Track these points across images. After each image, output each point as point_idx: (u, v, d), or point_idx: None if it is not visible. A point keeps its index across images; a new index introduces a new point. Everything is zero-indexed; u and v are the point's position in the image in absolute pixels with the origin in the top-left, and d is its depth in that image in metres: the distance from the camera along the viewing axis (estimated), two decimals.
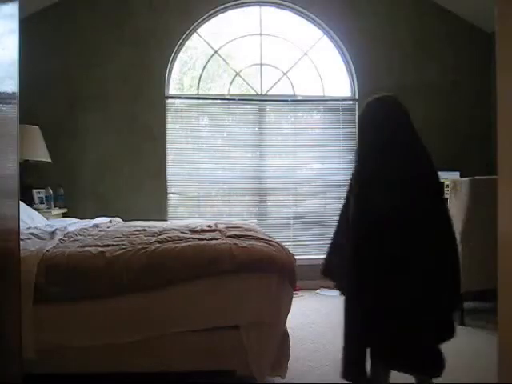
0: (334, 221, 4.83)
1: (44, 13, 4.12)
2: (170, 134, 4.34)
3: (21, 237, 1.75)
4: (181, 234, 2.41)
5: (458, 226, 3.12)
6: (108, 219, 3.35)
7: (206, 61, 4.50)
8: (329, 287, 4.26)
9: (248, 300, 2.01)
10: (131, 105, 4.22)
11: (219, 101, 4.46)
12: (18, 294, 1.45)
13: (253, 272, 2.01)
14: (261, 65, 4.52)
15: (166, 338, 1.98)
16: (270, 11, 4.47)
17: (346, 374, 1.68)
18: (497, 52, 1.40)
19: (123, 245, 2.17)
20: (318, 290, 4.20)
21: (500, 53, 1.39)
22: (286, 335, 2.12)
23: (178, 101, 4.43)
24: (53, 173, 4.03)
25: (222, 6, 4.34)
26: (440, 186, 1.93)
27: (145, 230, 2.68)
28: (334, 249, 1.86)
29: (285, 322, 2.11)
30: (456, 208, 3.15)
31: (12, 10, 1.41)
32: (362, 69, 4.46)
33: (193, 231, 2.56)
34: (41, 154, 3.79)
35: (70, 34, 4.17)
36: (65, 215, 3.98)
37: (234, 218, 4.12)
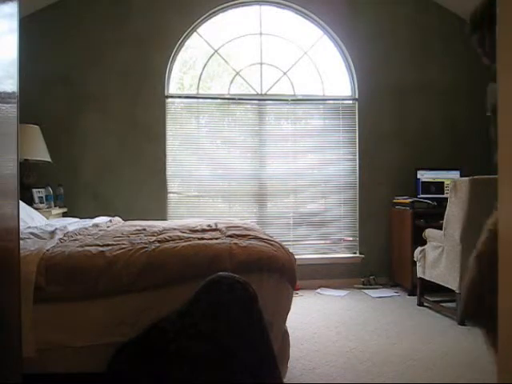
0: (333, 220, 4.80)
1: (44, 13, 4.12)
2: (170, 133, 4.34)
3: (21, 236, 1.75)
4: (181, 234, 2.41)
5: (458, 225, 3.12)
6: (108, 219, 3.35)
7: (206, 60, 4.50)
8: (328, 287, 4.27)
9: None
10: (131, 104, 4.22)
11: (219, 100, 4.46)
12: (18, 293, 1.45)
13: (253, 271, 2.01)
14: (261, 64, 4.52)
15: None
16: (270, 10, 4.47)
17: None
18: (497, 52, 1.40)
19: (123, 244, 2.17)
20: (317, 290, 4.20)
21: (500, 53, 1.39)
22: (286, 334, 2.12)
23: (178, 100, 4.43)
24: (53, 172, 4.03)
25: (222, 6, 4.34)
26: None
27: (145, 229, 2.68)
28: None
29: (285, 322, 2.11)
30: (456, 208, 3.15)
31: (12, 9, 1.41)
32: (362, 68, 4.46)
33: (193, 231, 2.56)
34: (41, 153, 3.79)
35: (70, 33, 4.17)
36: (65, 215, 3.99)
37: (233, 218, 4.12)
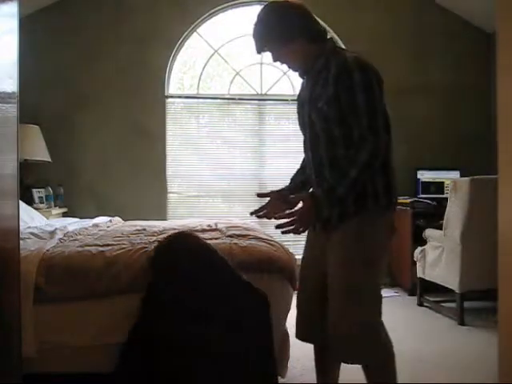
0: None
1: (44, 12, 4.11)
2: (170, 133, 4.34)
3: (21, 236, 1.75)
4: None
5: (458, 225, 3.12)
6: (108, 219, 3.35)
7: (205, 60, 4.50)
8: None
9: None
10: (131, 104, 4.22)
11: (219, 100, 4.46)
12: (18, 293, 1.45)
13: (253, 271, 2.01)
14: (261, 64, 4.52)
15: None
16: None
17: None
18: (497, 52, 1.40)
19: (123, 244, 2.16)
20: None
21: (500, 53, 1.39)
22: (286, 335, 2.12)
23: (178, 100, 4.43)
24: (53, 172, 4.03)
25: (222, 6, 4.34)
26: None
27: (145, 229, 2.68)
28: None
29: (285, 322, 2.11)
30: (456, 208, 3.14)
31: (12, 9, 1.41)
32: None
33: (193, 231, 2.56)
34: (41, 153, 3.79)
35: (70, 33, 4.17)
36: (65, 215, 3.99)
37: (234, 218, 4.11)
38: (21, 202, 2.47)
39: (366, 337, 1.55)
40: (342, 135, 1.54)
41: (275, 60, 1.67)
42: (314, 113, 1.57)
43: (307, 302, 1.71)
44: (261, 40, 1.64)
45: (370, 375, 1.62)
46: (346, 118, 1.51)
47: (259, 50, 1.66)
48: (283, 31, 1.60)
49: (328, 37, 1.69)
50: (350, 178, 1.46)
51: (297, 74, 1.73)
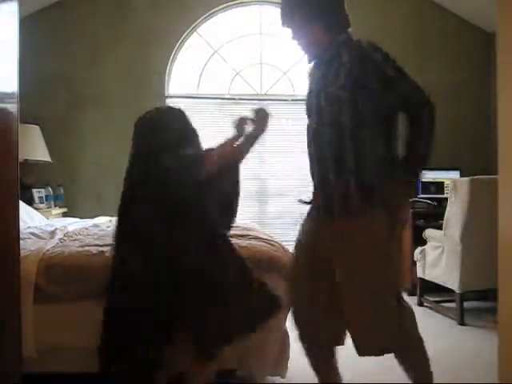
0: None
1: (44, 13, 4.11)
2: None
3: (21, 236, 1.75)
4: None
5: (458, 225, 3.12)
6: (108, 219, 3.34)
7: (206, 60, 4.50)
8: None
9: None
10: (131, 104, 4.21)
11: (219, 100, 4.46)
12: (18, 293, 1.45)
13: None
14: (261, 64, 4.52)
15: None
16: (270, 10, 4.47)
17: None
18: (497, 52, 1.40)
19: None
20: None
21: (500, 53, 1.39)
22: (286, 335, 2.12)
23: (178, 100, 4.42)
24: (53, 172, 4.03)
25: (222, 6, 4.34)
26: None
27: None
28: None
29: (285, 322, 2.11)
30: (456, 208, 3.14)
31: (12, 8, 1.41)
32: None
33: None
34: (41, 153, 3.79)
35: (70, 33, 4.17)
36: (65, 215, 3.98)
37: None
38: (21, 202, 2.47)
39: (383, 331, 1.57)
40: (353, 124, 1.57)
41: (292, 38, 1.69)
42: (325, 100, 1.58)
43: (308, 302, 1.69)
44: (283, 15, 1.67)
45: (401, 361, 1.67)
46: (359, 104, 1.56)
47: (282, 24, 1.70)
48: (304, 13, 1.61)
49: (349, 29, 1.68)
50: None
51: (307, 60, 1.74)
